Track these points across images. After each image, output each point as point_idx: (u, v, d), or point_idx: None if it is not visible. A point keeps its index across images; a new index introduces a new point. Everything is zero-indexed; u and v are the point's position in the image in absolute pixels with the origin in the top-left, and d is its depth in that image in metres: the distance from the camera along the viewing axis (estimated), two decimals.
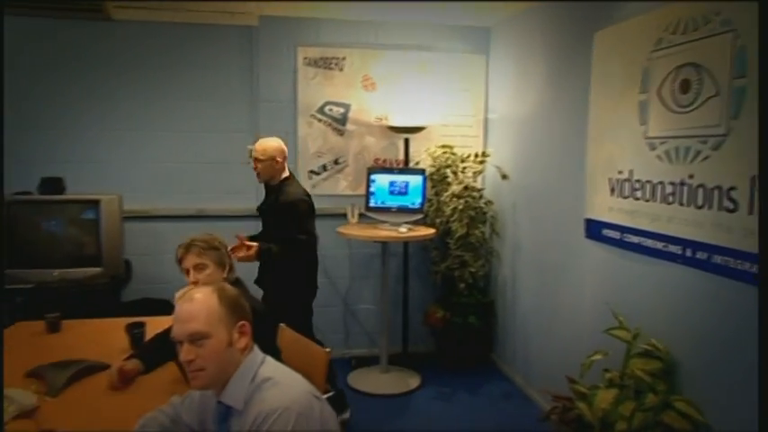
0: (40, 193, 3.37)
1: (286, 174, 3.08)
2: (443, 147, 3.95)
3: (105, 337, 2.43)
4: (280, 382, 1.35)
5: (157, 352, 2.06)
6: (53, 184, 3.38)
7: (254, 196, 3.93)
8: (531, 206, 3.58)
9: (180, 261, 2.06)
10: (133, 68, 3.75)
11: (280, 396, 1.30)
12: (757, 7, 1.78)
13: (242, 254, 2.73)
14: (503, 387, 3.73)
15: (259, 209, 3.22)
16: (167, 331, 2.08)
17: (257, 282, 3.07)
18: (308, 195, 3.07)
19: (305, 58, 3.90)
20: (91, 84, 3.71)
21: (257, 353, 1.42)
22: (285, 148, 3.06)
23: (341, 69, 3.93)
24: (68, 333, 2.54)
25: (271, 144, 3.02)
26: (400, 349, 4.04)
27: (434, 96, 4.03)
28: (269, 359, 1.44)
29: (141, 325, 2.34)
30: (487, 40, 4.11)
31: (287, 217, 2.91)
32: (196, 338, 1.32)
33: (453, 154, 3.92)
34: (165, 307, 3.32)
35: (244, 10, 3.75)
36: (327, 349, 2.03)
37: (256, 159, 3.00)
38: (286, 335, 2.32)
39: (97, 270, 3.37)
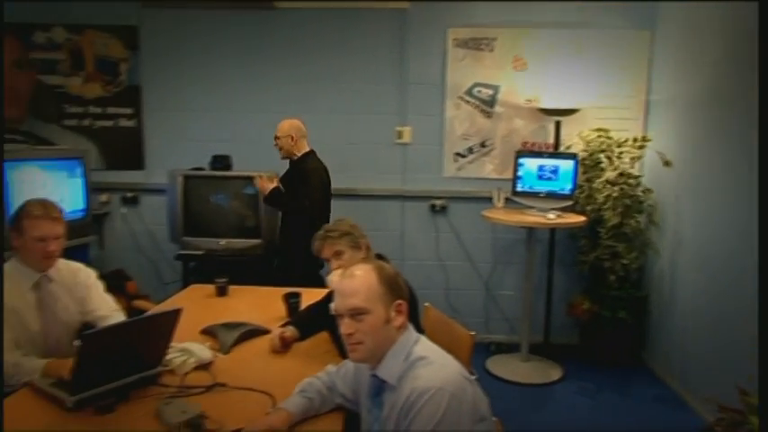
0: (212, 169, 3.69)
1: (306, 149, 3.37)
2: (598, 130, 3.68)
3: (265, 304, 2.56)
4: (434, 362, 1.36)
5: (312, 321, 2.18)
6: (222, 161, 3.67)
7: (399, 177, 4.00)
8: (696, 196, 3.21)
9: (318, 252, 2.13)
10: (292, 54, 3.92)
11: (433, 375, 1.31)
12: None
13: (264, 183, 3.25)
14: (655, 389, 3.42)
15: (281, 180, 3.40)
16: (320, 302, 2.20)
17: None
18: (326, 171, 3.39)
19: (454, 40, 3.84)
20: (256, 69, 3.96)
21: (412, 332, 1.44)
22: (302, 126, 3.35)
23: (491, 50, 3.82)
24: (234, 297, 2.72)
25: (287, 122, 3.35)
26: (542, 339, 3.87)
27: (589, 77, 3.74)
28: (423, 338, 1.45)
29: (297, 295, 2.45)
30: (654, 15, 3.77)
31: (300, 182, 3.26)
32: (356, 313, 1.36)
33: (609, 138, 3.64)
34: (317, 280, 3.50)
35: None
36: (472, 332, 2.00)
37: (276, 137, 3.33)
38: (431, 314, 2.30)
39: (257, 241, 3.63)
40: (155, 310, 2.29)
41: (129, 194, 4.12)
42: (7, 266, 1.99)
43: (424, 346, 1.42)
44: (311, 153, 3.39)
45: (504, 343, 3.92)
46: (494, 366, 3.63)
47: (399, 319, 1.41)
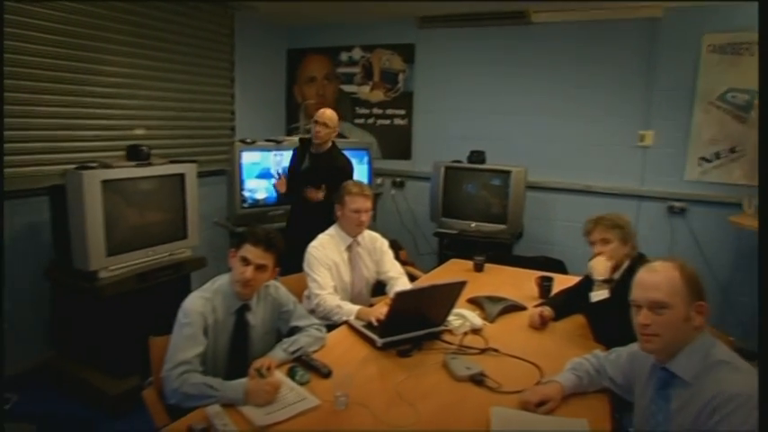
0: (468, 162, 4.36)
1: (330, 143, 3.42)
2: None
3: (515, 283, 2.86)
4: (740, 369, 1.33)
5: (567, 304, 2.37)
6: (478, 156, 4.29)
7: (638, 178, 4.16)
8: None
9: (588, 233, 2.29)
10: (543, 63, 4.29)
11: (743, 383, 1.27)
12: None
13: (316, 194, 3.31)
14: None
15: (303, 170, 3.43)
16: (576, 287, 2.42)
17: (294, 230, 3.37)
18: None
19: (710, 45, 3.79)
20: (510, 77, 4.43)
21: (708, 334, 1.42)
22: None
23: (751, 54, 3.74)
24: (488, 274, 3.07)
25: (330, 112, 3.38)
26: None
27: None
28: (719, 343, 1.42)
29: (550, 279, 2.68)
30: None
31: (344, 175, 3.18)
32: (656, 306, 1.38)
33: None
34: (560, 266, 3.91)
35: (650, 4, 3.94)
36: (731, 338, 1.97)
37: (324, 125, 3.31)
38: None
39: (502, 227, 4.17)
40: (446, 279, 2.55)
41: (397, 180, 5.05)
42: (331, 231, 2.64)
43: (724, 350, 1.39)
44: (336, 146, 3.50)
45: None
46: None
47: (698, 319, 1.39)
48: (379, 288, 2.84)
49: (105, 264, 2.85)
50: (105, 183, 2.81)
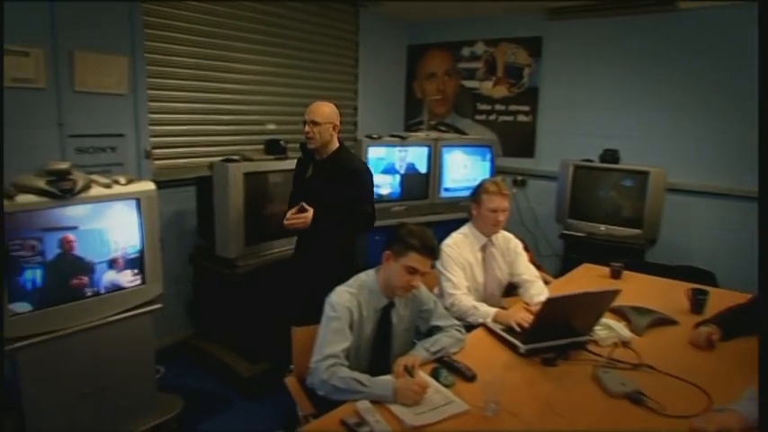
0: (600, 161, 4.09)
1: (337, 144, 2.71)
2: None
3: (658, 293, 2.63)
4: None
5: (735, 324, 2.13)
6: (611, 155, 4.00)
7: None
8: None
9: None
10: (689, 54, 3.91)
11: None
12: None
13: (294, 220, 2.54)
14: None
15: (306, 180, 2.74)
16: (748, 305, 2.17)
17: (296, 258, 2.84)
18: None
19: None
20: (650, 70, 4.08)
21: None
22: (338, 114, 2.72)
23: None
24: (627, 282, 2.81)
25: (326, 106, 2.66)
26: None
27: None
28: None
29: (705, 293, 2.43)
30: None
31: (353, 185, 2.61)
32: None
33: None
34: (710, 279, 3.55)
35: None
36: None
37: (313, 123, 2.60)
38: None
39: (636, 231, 3.85)
40: (598, 287, 2.45)
41: (519, 178, 4.87)
42: (464, 229, 2.57)
43: None
44: (345, 148, 2.77)
45: None
46: None
47: None
48: (507, 289, 2.74)
49: (244, 252, 3.00)
50: (247, 175, 2.95)
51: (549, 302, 1.94)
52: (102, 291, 2.40)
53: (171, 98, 3.36)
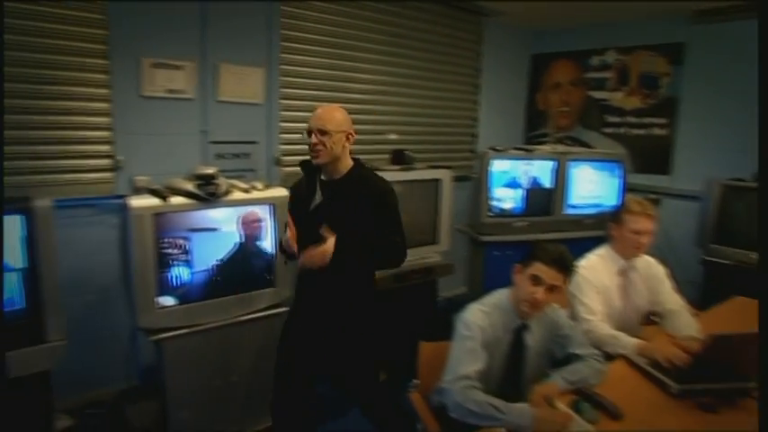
0: (755, 181, 3.65)
1: (351, 160, 2.12)
2: None
3: None
4: None
5: None
6: None
7: None
8: None
9: None
10: None
11: None
12: None
13: (312, 256, 1.93)
14: None
15: (314, 209, 2.11)
16: None
17: (301, 300, 2.24)
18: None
19: None
20: None
21: None
22: None
23: None
24: None
25: (339, 112, 2.08)
26: None
27: None
28: None
29: None
30: None
31: (380, 211, 2.05)
32: None
33: None
34: None
35: None
36: None
37: (322, 132, 2.00)
38: None
39: None
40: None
41: (651, 196, 4.49)
42: (601, 251, 2.38)
43: None
44: (362, 164, 2.18)
45: None
46: None
47: None
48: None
49: None
50: None
51: (718, 340, 1.74)
52: (237, 291, 2.52)
53: (300, 107, 3.48)
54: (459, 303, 2.17)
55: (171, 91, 2.94)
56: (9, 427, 1.91)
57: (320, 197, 2.10)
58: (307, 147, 2.08)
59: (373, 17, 3.77)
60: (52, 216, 2.00)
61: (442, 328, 2.14)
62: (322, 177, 2.12)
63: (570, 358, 1.90)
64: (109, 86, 2.74)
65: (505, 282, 1.91)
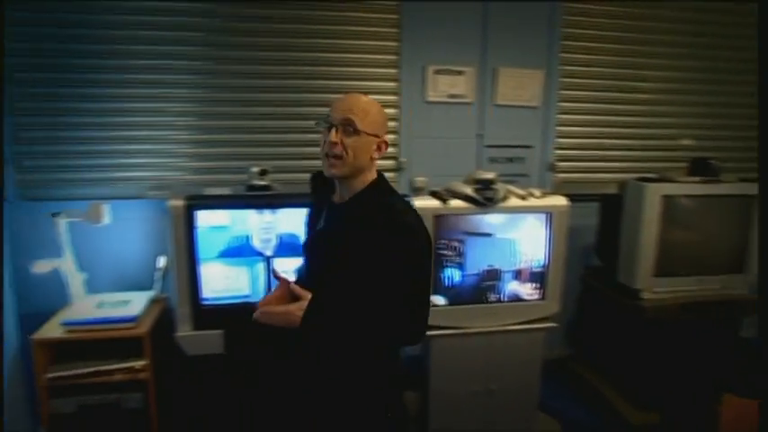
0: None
1: (375, 174, 1.40)
2: None
3: None
4: None
5: None
6: None
7: None
8: None
9: None
10: None
11: None
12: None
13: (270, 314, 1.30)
14: None
15: (311, 238, 1.48)
16: None
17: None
18: (421, 221, 1.33)
19: None
20: None
21: None
22: None
23: None
24: None
25: (376, 107, 1.38)
26: None
27: None
28: None
29: None
30: None
31: (386, 260, 1.26)
32: None
33: None
34: None
35: None
36: None
37: (347, 126, 1.32)
38: None
39: None
40: None
41: None
42: None
43: None
44: (385, 182, 1.43)
45: None
46: None
47: None
48: None
49: (651, 284, 2.65)
50: (666, 197, 2.59)
51: None
52: (505, 299, 2.46)
53: (580, 110, 3.25)
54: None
55: (452, 96, 3.03)
56: None
57: (322, 224, 1.47)
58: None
59: (668, 4, 3.26)
60: None
61: (745, 378, 1.74)
62: (331, 194, 1.47)
63: None
64: (398, 93, 2.94)
65: None
